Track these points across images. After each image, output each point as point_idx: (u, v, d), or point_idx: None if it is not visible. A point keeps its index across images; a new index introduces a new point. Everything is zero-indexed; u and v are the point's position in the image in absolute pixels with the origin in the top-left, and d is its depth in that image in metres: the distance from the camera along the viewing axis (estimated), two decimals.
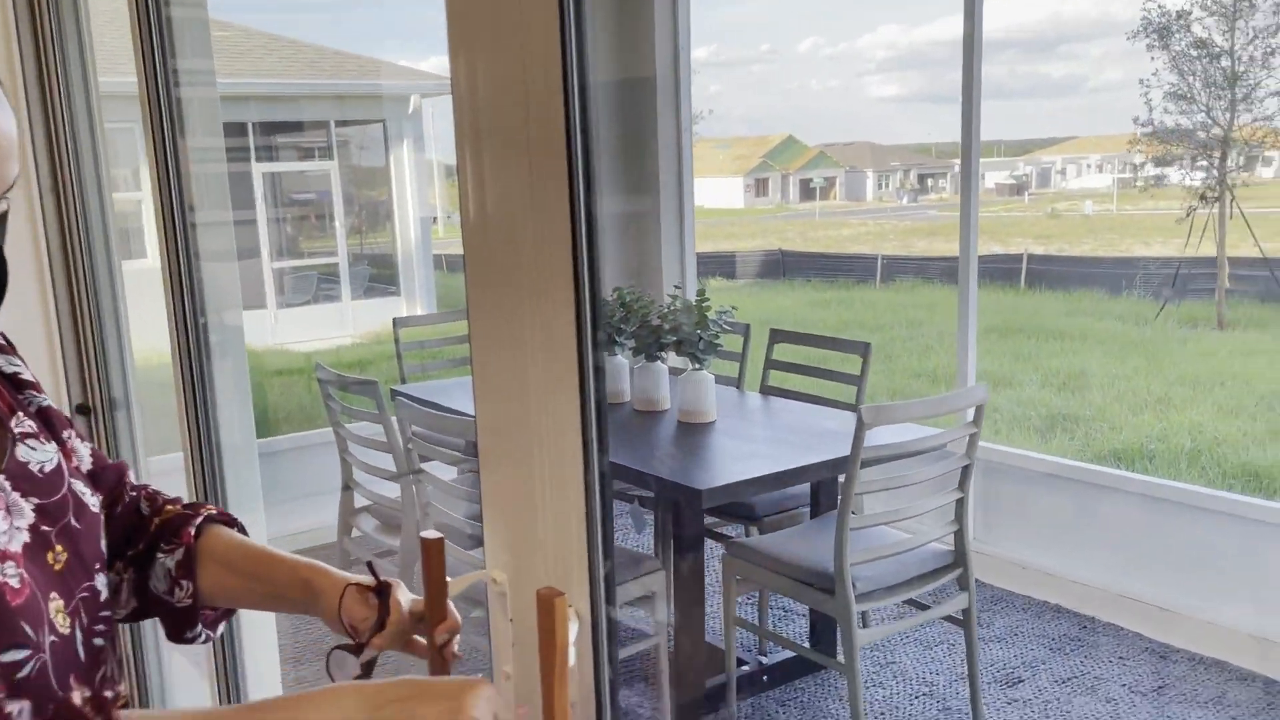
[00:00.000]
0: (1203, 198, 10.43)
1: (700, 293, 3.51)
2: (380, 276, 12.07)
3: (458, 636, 1.02)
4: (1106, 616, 3.74)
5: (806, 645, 3.53)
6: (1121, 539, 3.91)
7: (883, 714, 3.20)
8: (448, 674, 0.96)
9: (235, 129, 10.20)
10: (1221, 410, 7.48)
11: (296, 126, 11.81)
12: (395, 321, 4.60)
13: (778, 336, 3.96)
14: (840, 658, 3.36)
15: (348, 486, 3.61)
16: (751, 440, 3.23)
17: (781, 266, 17.23)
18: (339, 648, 0.99)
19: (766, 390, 3.98)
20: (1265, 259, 10.78)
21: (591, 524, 0.86)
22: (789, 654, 3.44)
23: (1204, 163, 11.21)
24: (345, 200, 12.00)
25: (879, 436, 2.71)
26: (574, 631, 0.91)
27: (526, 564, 0.94)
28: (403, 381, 4.50)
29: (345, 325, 11.28)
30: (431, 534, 1.02)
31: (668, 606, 3.02)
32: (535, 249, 0.86)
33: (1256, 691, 3.23)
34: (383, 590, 0.98)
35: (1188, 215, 10.59)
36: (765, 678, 3.35)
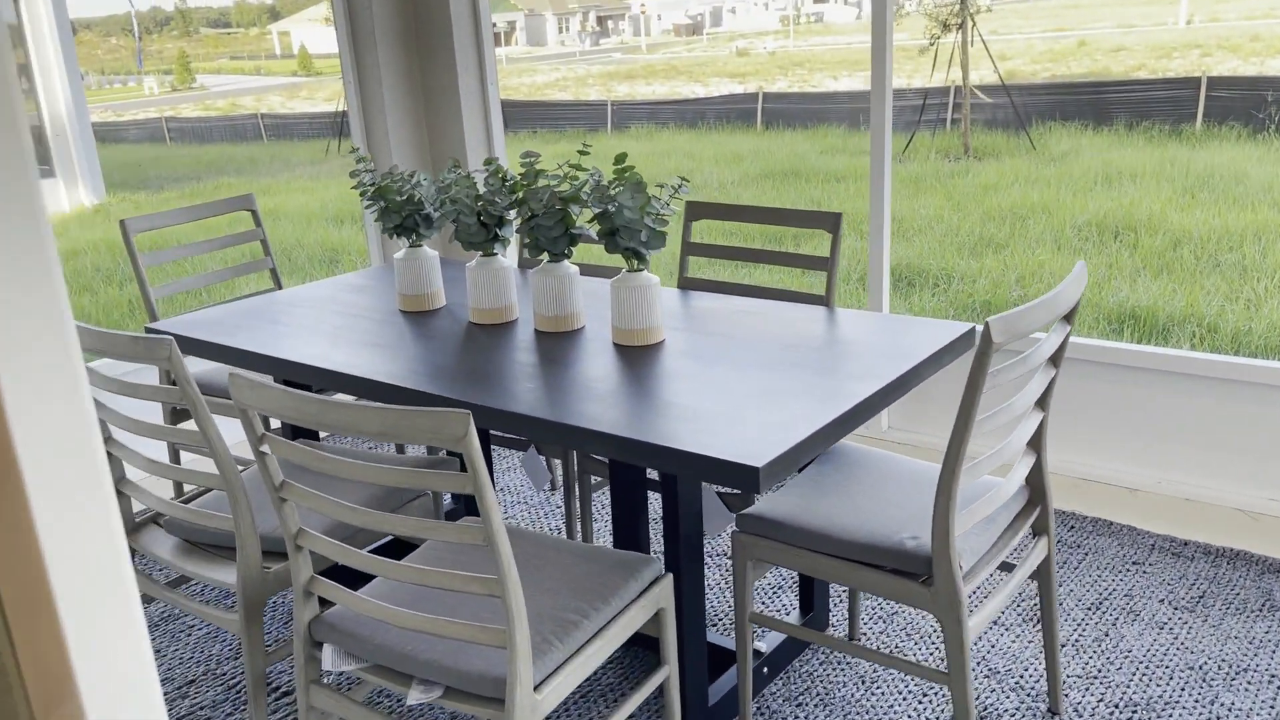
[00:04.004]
0: (945, 26, 10.29)
1: (620, 158, 2.47)
2: None
3: None
4: (1147, 525, 3.24)
5: (797, 623, 2.75)
6: (1125, 422, 3.40)
7: (942, 712, 2.50)
8: None
9: None
10: (1051, 248, 7.31)
11: None
12: (124, 225, 3.20)
13: (696, 211, 3.02)
14: (841, 632, 2.63)
15: (119, 490, 2.35)
16: (739, 365, 2.29)
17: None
18: None
19: (686, 284, 3.05)
20: (1004, 86, 10.92)
21: None
22: (777, 638, 2.63)
23: None
24: None
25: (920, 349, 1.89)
26: None
27: None
28: (153, 317, 3.18)
29: None
30: None
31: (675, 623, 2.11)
32: None
33: None
34: None
35: (931, 44, 10.45)
36: (765, 670, 2.55)
